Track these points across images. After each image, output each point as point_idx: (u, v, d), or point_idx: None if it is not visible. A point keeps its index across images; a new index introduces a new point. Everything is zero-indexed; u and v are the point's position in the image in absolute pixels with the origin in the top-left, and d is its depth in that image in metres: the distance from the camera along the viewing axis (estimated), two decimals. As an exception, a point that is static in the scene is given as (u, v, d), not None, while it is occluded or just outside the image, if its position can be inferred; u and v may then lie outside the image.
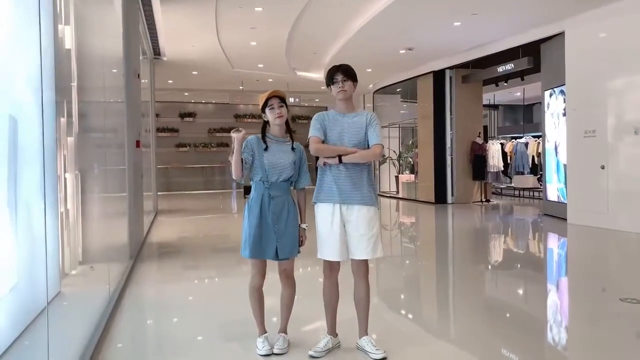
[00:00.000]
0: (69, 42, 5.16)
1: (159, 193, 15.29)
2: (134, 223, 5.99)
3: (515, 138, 15.20)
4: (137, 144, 6.24)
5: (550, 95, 9.47)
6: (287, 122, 3.24)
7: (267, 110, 3.09)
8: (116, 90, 5.68)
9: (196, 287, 5.24)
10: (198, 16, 8.00)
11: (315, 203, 3.12)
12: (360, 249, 3.01)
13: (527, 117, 20.27)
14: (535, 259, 6.96)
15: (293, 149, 3.19)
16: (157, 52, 10.58)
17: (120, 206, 5.75)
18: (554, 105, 9.39)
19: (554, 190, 9.55)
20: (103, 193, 5.78)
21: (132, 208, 5.83)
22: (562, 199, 9.17)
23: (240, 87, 14.81)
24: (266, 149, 3.07)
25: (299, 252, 3.15)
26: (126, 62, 5.70)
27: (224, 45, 9.86)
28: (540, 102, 18.03)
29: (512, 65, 10.24)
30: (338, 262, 3.08)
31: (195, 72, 12.62)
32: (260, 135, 3.13)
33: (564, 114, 8.90)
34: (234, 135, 3.03)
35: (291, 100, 13.42)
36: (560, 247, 7.61)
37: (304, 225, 3.18)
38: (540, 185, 14.08)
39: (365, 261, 3.08)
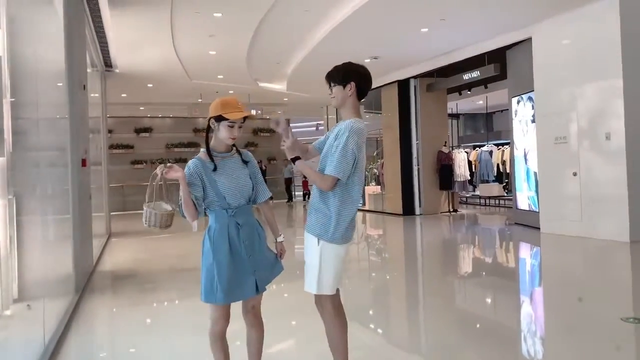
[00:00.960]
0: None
1: (113, 213, 14.45)
2: (80, 250, 5.35)
3: (477, 147, 15.21)
4: (84, 162, 5.60)
5: (518, 102, 9.36)
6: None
7: (222, 124, 2.52)
8: (58, 105, 5.06)
9: (154, 319, 4.65)
10: (151, 22, 7.42)
11: (340, 244, 2.57)
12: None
13: (488, 125, 20.46)
14: (508, 269, 6.75)
15: (245, 162, 2.66)
16: (108, 63, 9.88)
17: (63, 232, 5.11)
18: (522, 112, 9.28)
19: (524, 198, 9.40)
20: (43, 218, 5.13)
21: (77, 233, 5.19)
22: (533, 207, 9.02)
23: (199, 100, 14.19)
24: (215, 169, 2.53)
25: (282, 268, 2.69)
26: (69, 73, 5.09)
27: (180, 55, 9.29)
28: (503, 110, 18.32)
29: (478, 72, 10.12)
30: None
31: (150, 85, 11.93)
32: (202, 155, 2.56)
33: (533, 121, 8.79)
34: (160, 171, 2.50)
35: (253, 112, 12.92)
36: (533, 257, 7.41)
37: (280, 239, 2.71)
38: (506, 193, 14.11)
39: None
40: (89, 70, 9.46)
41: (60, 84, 5.04)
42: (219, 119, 2.51)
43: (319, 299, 2.59)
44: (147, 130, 16.88)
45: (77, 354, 3.78)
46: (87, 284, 5.73)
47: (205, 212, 2.58)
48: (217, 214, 2.53)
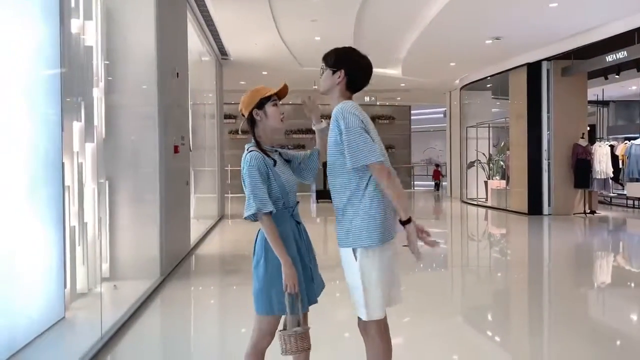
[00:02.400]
0: (90, 39, 4.76)
1: (233, 195, 15.17)
2: (169, 233, 5.49)
3: (630, 139, 13.08)
4: (176, 149, 5.73)
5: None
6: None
7: (268, 107, 2.29)
8: (148, 92, 5.20)
9: (228, 305, 4.58)
10: (251, 8, 7.39)
11: (377, 245, 2.17)
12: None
13: (645, 115, 17.59)
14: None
15: (286, 160, 2.40)
16: (223, 51, 10.21)
17: (150, 216, 5.27)
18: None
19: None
20: (132, 202, 5.34)
21: (165, 217, 5.32)
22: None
23: (314, 87, 14.15)
24: (275, 163, 2.28)
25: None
26: (160, 61, 5.19)
27: (287, 42, 9.21)
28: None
29: (625, 52, 8.52)
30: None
31: (265, 73, 12.14)
32: (257, 148, 2.28)
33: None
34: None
35: (366, 99, 12.49)
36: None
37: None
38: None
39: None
40: (206, 58, 9.88)
41: (151, 72, 5.16)
42: (261, 105, 2.29)
43: (362, 321, 2.22)
44: (267, 116, 17.35)
45: (137, 337, 3.79)
46: (177, 267, 5.91)
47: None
48: (279, 215, 2.24)
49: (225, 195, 12.96)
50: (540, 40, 9.32)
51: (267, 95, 2.31)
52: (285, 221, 2.25)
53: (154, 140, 5.19)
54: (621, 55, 8.64)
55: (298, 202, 2.37)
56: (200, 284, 5.72)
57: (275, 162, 2.28)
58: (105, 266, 5.07)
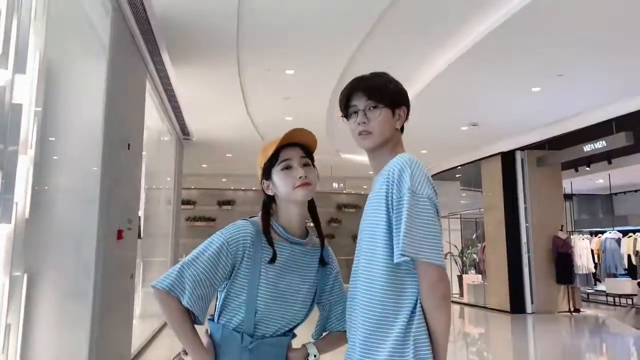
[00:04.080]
0: (20, 96, 3.92)
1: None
2: (103, 337, 4.33)
3: (596, 233, 12.85)
4: (119, 234, 4.73)
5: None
6: (313, 206, 1.63)
7: (275, 172, 1.54)
8: (89, 164, 4.30)
9: None
10: (219, 82, 6.77)
11: None
12: None
13: (607, 209, 17.75)
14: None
15: (324, 262, 1.57)
16: (185, 131, 9.51)
17: (80, 315, 4.14)
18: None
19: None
20: (59, 300, 4.22)
21: (98, 316, 4.19)
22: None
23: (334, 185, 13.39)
24: (273, 260, 1.45)
25: None
26: (107, 128, 4.35)
27: (256, 122, 8.62)
28: (628, 191, 15.72)
29: (604, 142, 8.34)
30: None
31: (229, 155, 11.44)
32: (260, 227, 1.51)
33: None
34: None
35: (334, 185, 11.90)
36: None
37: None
38: (643, 291, 11.49)
39: None
40: (165, 137, 9.12)
41: (96, 140, 4.30)
42: (269, 169, 1.54)
43: None
44: (229, 202, 16.51)
45: None
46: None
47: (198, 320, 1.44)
48: (225, 337, 1.42)
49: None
50: (516, 128, 9.10)
51: (266, 158, 1.53)
52: (230, 353, 1.41)
53: (92, 222, 4.20)
54: (600, 145, 8.45)
55: (294, 334, 1.50)
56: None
57: (274, 256, 1.43)
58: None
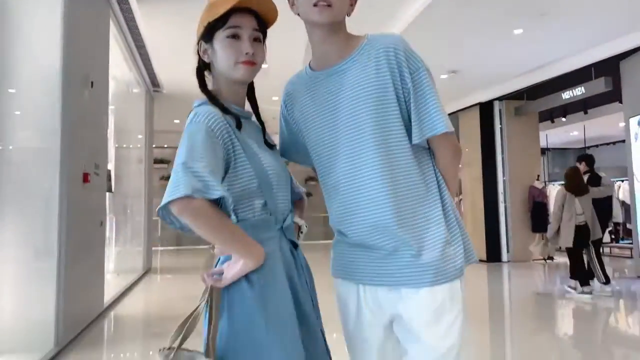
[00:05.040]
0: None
1: (162, 248, 13.59)
2: (71, 289, 4.13)
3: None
4: (85, 177, 4.47)
5: (639, 122, 7.43)
6: (252, 90, 1.47)
7: (220, 37, 1.35)
8: (48, 101, 3.99)
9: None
10: (190, 27, 6.40)
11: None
12: None
13: (580, 163, 18.00)
14: (633, 336, 4.78)
15: (269, 145, 1.44)
16: (155, 82, 9.09)
17: (44, 265, 3.92)
18: (645, 136, 7.34)
19: (651, 245, 7.31)
20: (19, 247, 3.97)
21: (63, 266, 3.97)
22: (665, 256, 6.93)
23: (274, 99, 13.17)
24: (239, 125, 1.32)
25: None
26: (66, 63, 4.01)
27: (229, 70, 8.26)
28: (601, 144, 15.91)
29: (583, 89, 8.29)
30: None
31: (202, 109, 11.04)
32: (210, 103, 1.33)
33: (664, 145, 6.84)
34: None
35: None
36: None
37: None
38: (612, 239, 11.78)
39: None
40: (134, 90, 8.70)
41: (54, 75, 3.97)
42: (211, 31, 1.34)
43: None
44: (204, 162, 16.13)
45: None
46: (82, 334, 4.50)
47: None
48: (256, 225, 1.26)
49: (154, 248, 11.44)
50: (496, 76, 8.96)
51: (217, 16, 1.31)
52: (271, 238, 1.24)
53: (53, 163, 3.93)
54: (579, 91, 8.39)
55: (292, 210, 1.39)
56: (113, 354, 4.33)
57: (240, 124, 1.29)
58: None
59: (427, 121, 1.30)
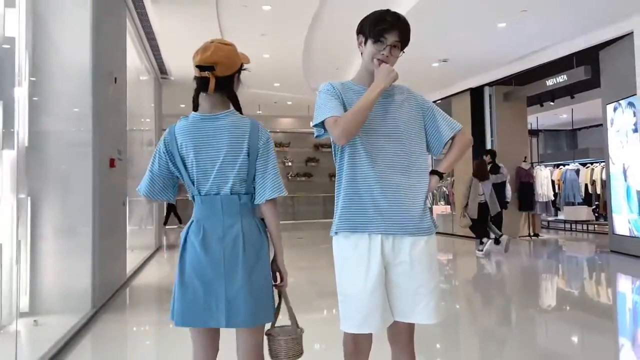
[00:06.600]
0: (11, 29, 4.11)
1: (173, 227, 14.23)
2: (104, 259, 4.78)
3: (560, 165, 13.65)
4: (112, 162, 5.08)
5: (615, 109, 7.99)
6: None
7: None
8: (81, 98, 4.57)
9: (160, 340, 3.93)
10: (197, 19, 6.92)
11: (335, 234, 1.88)
12: (419, 307, 1.80)
13: (573, 143, 18.57)
14: (605, 305, 5.43)
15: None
16: (163, 69, 9.62)
17: (82, 238, 4.55)
18: (619, 121, 7.91)
19: (623, 222, 7.94)
20: (60, 223, 4.61)
21: (98, 240, 4.61)
22: (635, 232, 7.57)
23: (258, 112, 13.75)
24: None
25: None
26: (95, 65, 4.58)
27: (233, 59, 8.78)
28: (590, 126, 16.46)
29: (565, 76, 8.84)
30: (370, 336, 1.82)
31: (207, 94, 11.57)
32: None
33: (635, 130, 7.41)
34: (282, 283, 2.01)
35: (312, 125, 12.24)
36: (636, 291, 6.01)
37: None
38: (596, 217, 12.42)
39: (412, 325, 1.87)
40: (144, 77, 9.23)
41: (85, 73, 4.54)
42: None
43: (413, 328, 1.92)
44: (208, 144, 16.67)
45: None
46: (112, 299, 5.16)
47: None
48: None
49: (165, 226, 12.09)
50: (484, 64, 9.49)
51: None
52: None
53: (87, 150, 4.53)
54: (561, 79, 8.94)
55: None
56: (137, 316, 4.99)
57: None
58: (25, 299, 4.28)
59: (451, 124, 2.02)
